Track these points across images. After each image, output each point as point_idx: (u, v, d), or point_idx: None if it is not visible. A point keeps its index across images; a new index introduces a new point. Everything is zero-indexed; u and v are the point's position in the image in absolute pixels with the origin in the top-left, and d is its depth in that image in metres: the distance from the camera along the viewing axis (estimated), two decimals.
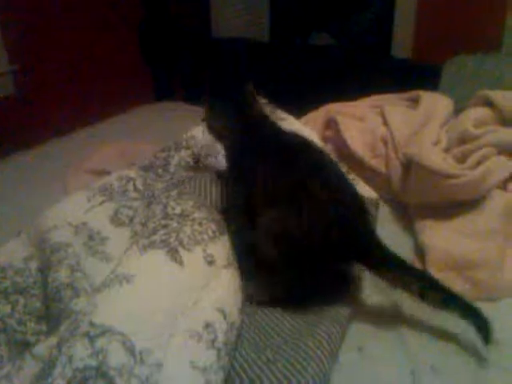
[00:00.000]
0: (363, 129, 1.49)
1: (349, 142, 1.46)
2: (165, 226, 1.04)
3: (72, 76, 2.51)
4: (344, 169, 1.38)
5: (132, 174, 1.35)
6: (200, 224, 1.06)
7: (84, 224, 1.21)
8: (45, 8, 2.36)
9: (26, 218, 1.40)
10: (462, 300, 1.01)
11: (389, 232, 1.31)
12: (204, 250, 1.01)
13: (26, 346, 1.00)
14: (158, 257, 0.96)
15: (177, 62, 2.61)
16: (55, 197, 1.51)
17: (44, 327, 1.05)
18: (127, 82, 2.64)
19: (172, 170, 1.40)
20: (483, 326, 0.99)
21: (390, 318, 1.09)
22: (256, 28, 3.08)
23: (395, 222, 1.38)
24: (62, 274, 1.05)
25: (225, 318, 0.93)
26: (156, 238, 1.01)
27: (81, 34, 2.51)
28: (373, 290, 1.16)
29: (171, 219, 1.06)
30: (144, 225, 1.12)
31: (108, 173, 1.57)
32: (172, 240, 1.00)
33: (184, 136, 1.48)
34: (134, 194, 1.30)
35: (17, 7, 2.26)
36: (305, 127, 1.48)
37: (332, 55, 2.42)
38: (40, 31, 2.37)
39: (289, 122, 1.47)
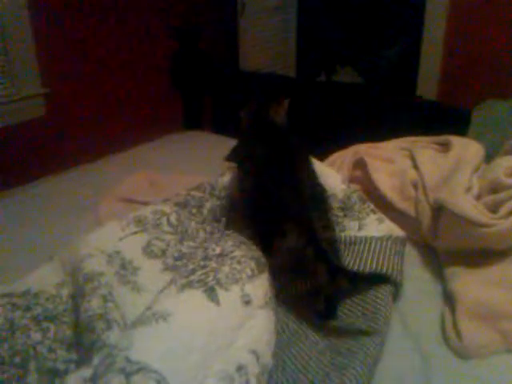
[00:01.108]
0: (392, 171, 1.50)
1: (378, 184, 1.47)
2: (204, 267, 1.05)
3: (103, 102, 2.56)
4: (370, 207, 1.40)
5: (167, 209, 1.38)
6: (239, 262, 1.07)
7: (117, 252, 1.23)
8: (78, 34, 2.44)
9: (56, 243, 1.43)
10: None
11: (416, 277, 1.32)
12: (242, 289, 1.01)
13: (55, 374, 1.01)
14: (195, 296, 0.97)
15: (206, 92, 2.65)
16: (85, 223, 1.55)
17: (74, 355, 1.05)
18: (157, 111, 2.70)
19: (205, 212, 1.43)
20: None
21: (417, 362, 1.08)
22: (282, 62, 3.15)
23: (423, 266, 1.37)
24: (95, 304, 1.06)
25: (257, 360, 0.93)
26: (194, 277, 1.02)
27: (113, 63, 2.58)
28: (401, 332, 1.16)
29: (210, 260, 1.08)
30: (181, 263, 1.13)
31: (137, 202, 1.61)
32: (210, 279, 1.01)
33: (219, 183, 1.51)
34: (167, 228, 1.33)
35: (52, 33, 2.33)
36: (328, 168, 1.50)
37: (357, 93, 2.44)
38: (73, 57, 2.44)
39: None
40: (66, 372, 1.01)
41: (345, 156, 1.59)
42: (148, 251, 1.27)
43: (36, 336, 1.07)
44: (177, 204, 1.41)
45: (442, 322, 1.18)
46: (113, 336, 0.99)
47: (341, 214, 1.39)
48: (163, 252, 1.27)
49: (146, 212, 1.36)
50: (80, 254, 1.21)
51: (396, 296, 1.23)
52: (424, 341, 1.14)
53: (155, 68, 2.74)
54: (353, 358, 1.04)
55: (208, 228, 1.38)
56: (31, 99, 2.36)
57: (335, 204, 1.41)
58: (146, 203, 1.56)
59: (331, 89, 2.62)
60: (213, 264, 1.06)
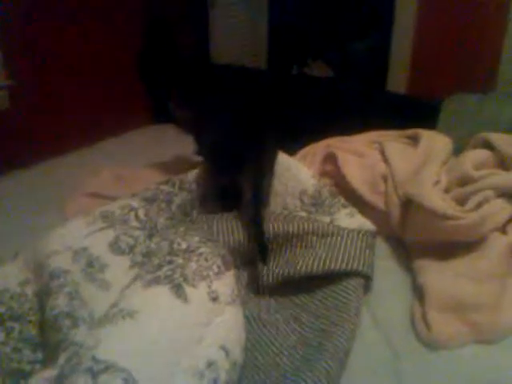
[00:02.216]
0: (363, 165, 1.50)
1: (348, 178, 1.47)
2: (170, 262, 1.04)
3: (70, 95, 2.51)
4: (341, 201, 1.40)
5: (135, 203, 1.35)
6: (206, 259, 1.06)
7: (84, 249, 1.20)
8: (44, 27, 2.37)
9: (20, 240, 1.39)
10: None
11: (387, 269, 1.32)
12: (209, 286, 1.01)
13: (20, 375, 0.98)
14: (162, 293, 0.96)
15: (175, 85, 2.61)
16: (51, 219, 1.52)
17: (40, 355, 1.02)
18: (126, 105, 2.64)
19: (174, 208, 1.41)
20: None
21: (387, 354, 1.08)
22: (254, 55, 3.13)
23: (393, 259, 1.37)
24: (61, 302, 1.04)
25: (227, 356, 0.92)
26: (160, 273, 1.01)
27: (82, 54, 2.52)
28: (370, 324, 1.16)
29: (176, 255, 1.06)
30: (148, 259, 1.11)
31: (104, 197, 1.58)
32: (177, 276, 1.00)
33: (188, 177, 1.49)
34: (135, 223, 1.31)
35: (17, 24, 2.27)
36: (298, 163, 1.50)
37: (327, 86, 2.44)
38: (39, 49, 2.37)
39: (281, 161, 1.48)
40: (32, 373, 0.99)
41: (316, 150, 1.58)
42: (115, 247, 1.24)
43: (0, 336, 1.04)
44: (145, 199, 1.38)
45: (412, 314, 1.18)
46: (79, 334, 0.97)
47: (312, 209, 1.39)
48: (131, 248, 1.25)
49: (114, 207, 1.33)
50: (45, 251, 1.18)
51: (366, 289, 1.24)
52: (393, 333, 1.14)
53: (126, 59, 2.67)
54: (323, 350, 1.04)
55: (175, 223, 1.36)
56: None
57: (306, 200, 1.41)
58: (113, 198, 1.54)
59: (302, 82, 2.61)
60: (179, 260, 1.05)
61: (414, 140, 1.57)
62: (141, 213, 1.33)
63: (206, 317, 0.96)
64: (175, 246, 1.10)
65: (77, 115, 2.49)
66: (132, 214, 1.32)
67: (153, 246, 1.27)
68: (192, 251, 1.08)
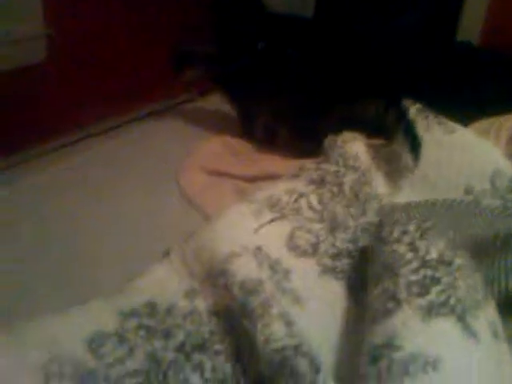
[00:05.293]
0: None
1: None
2: (435, 281, 0.73)
3: (113, 51, 2.14)
4: None
5: (302, 187, 1.05)
6: (469, 276, 0.76)
7: (259, 249, 0.90)
8: None
9: (139, 215, 1.14)
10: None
11: None
12: (485, 316, 0.71)
13: None
14: (451, 329, 0.67)
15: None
16: (172, 197, 1.23)
17: None
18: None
19: (347, 192, 1.09)
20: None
21: None
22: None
23: None
24: (278, 331, 0.73)
25: None
26: (432, 297, 0.71)
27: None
28: None
29: (434, 268, 0.75)
30: (391, 271, 0.79)
31: (229, 175, 1.28)
32: (453, 301, 0.70)
33: (347, 150, 1.18)
34: (310, 214, 1.00)
35: None
36: (486, 141, 1.21)
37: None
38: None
39: (461, 134, 1.20)
40: None
41: (501, 126, 1.29)
42: (293, 246, 0.94)
43: (194, 379, 0.72)
44: (312, 181, 1.07)
45: None
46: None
47: (510, 196, 1.11)
48: (314, 248, 0.95)
49: (277, 191, 1.03)
50: (219, 253, 0.87)
51: None
52: None
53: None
54: None
55: (353, 212, 1.06)
56: (31, 41, 1.91)
57: (499, 183, 1.12)
58: (241, 178, 1.25)
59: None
60: (444, 277, 0.74)
61: None
62: (313, 200, 1.03)
63: (497, 362, 0.68)
64: (423, 253, 0.79)
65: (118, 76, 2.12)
66: (303, 201, 1.02)
67: (338, 244, 0.98)
68: (448, 264, 0.77)
